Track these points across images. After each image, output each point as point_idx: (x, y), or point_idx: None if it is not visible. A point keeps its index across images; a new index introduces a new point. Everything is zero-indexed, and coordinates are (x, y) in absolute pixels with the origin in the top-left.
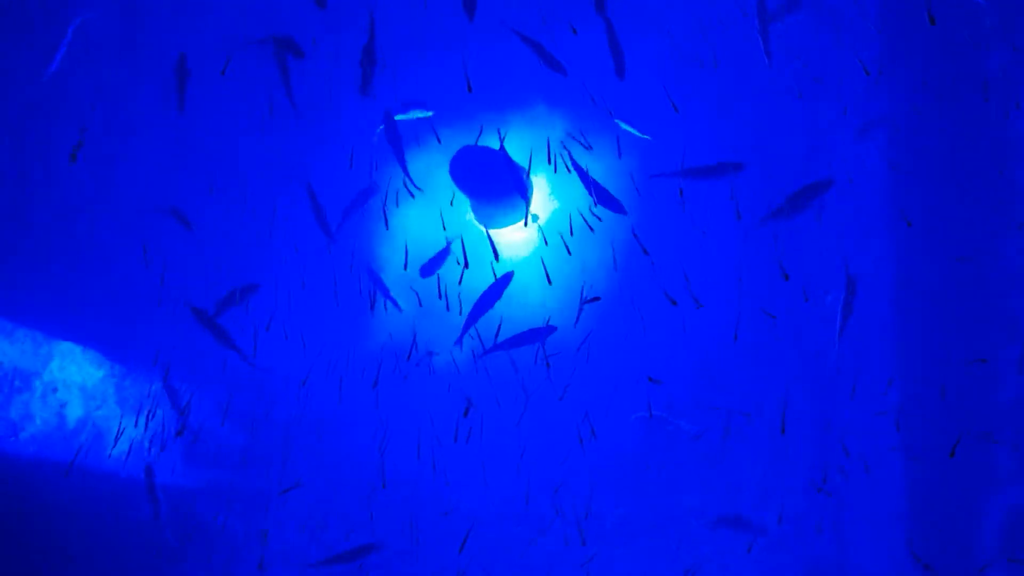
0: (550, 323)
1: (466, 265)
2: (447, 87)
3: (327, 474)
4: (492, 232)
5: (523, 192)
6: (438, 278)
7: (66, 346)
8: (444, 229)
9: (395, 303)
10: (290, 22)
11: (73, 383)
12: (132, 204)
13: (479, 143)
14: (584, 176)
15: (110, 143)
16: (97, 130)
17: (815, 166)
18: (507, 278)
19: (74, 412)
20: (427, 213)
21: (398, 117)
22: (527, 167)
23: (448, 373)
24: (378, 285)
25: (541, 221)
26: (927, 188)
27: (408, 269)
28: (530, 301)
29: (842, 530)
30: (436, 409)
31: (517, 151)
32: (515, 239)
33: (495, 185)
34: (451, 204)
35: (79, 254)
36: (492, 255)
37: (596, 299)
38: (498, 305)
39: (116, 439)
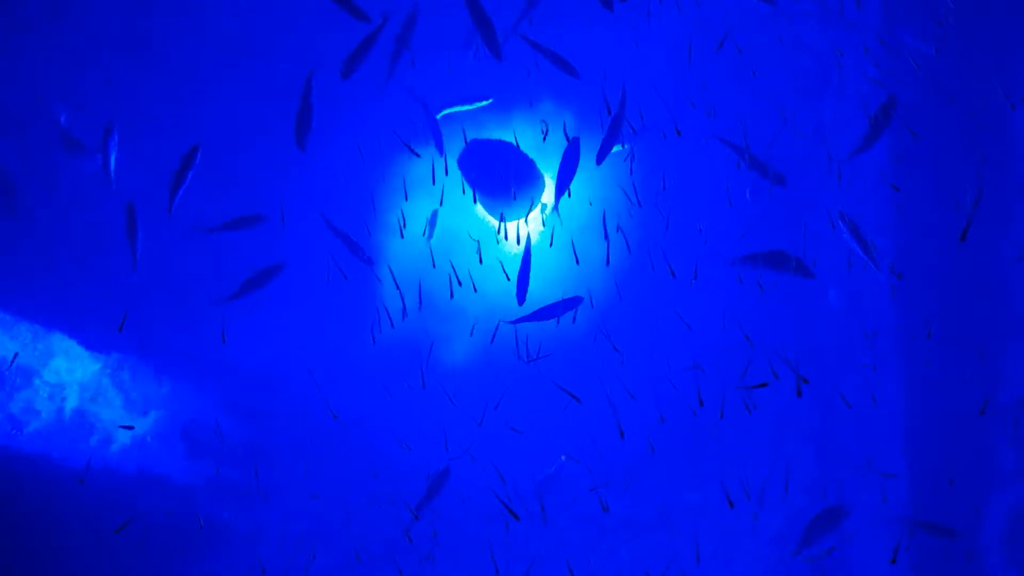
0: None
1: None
2: (454, 85)
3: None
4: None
5: (534, 183)
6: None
7: (66, 343)
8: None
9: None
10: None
11: (73, 379)
12: (136, 204)
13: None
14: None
15: (114, 139)
16: (102, 127)
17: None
18: (576, 143)
19: (73, 407)
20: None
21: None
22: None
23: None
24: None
25: (547, 211)
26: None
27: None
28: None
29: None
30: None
31: (526, 145)
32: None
33: (505, 177)
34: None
35: (82, 252)
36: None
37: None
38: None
39: (115, 434)
